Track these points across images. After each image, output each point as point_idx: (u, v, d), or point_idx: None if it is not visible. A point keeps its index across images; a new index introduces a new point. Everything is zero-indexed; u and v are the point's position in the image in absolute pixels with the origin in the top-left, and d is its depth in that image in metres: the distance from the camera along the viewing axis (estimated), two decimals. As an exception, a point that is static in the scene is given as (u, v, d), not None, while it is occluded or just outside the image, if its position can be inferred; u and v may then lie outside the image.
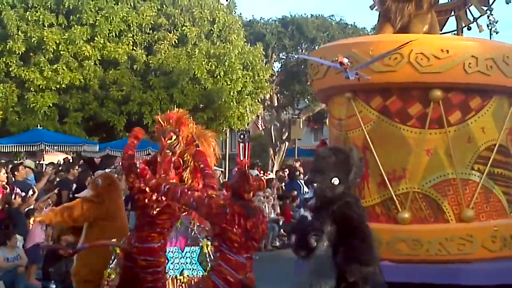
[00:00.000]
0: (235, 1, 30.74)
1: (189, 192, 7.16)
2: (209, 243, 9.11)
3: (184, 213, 8.84)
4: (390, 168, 11.40)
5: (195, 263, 9.10)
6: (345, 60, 10.31)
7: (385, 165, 11.39)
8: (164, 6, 28.42)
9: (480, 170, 11.43)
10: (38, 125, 25.83)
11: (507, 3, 12.69)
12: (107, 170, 27.49)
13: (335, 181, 7.51)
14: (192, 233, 9.28)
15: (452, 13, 13.12)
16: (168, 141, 8.25)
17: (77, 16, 27.11)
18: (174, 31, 28.12)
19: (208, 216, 6.98)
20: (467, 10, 13.03)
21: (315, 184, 7.66)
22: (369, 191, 11.52)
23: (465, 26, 13.03)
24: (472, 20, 13.03)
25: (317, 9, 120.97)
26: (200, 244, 9.15)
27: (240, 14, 33.56)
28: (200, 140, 8.29)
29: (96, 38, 26.99)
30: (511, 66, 11.40)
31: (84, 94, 27.15)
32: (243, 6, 69.76)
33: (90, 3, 27.04)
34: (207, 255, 9.12)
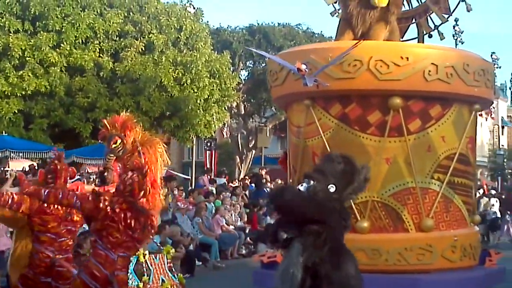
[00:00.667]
0: (202, 9, 30.38)
1: (71, 192, 6.83)
2: (146, 252, 8.77)
3: None
4: (349, 177, 11.06)
5: (131, 272, 8.68)
6: (303, 67, 9.98)
7: (345, 173, 11.05)
8: (131, 13, 27.97)
9: (440, 179, 11.10)
10: (3, 132, 25.28)
11: (468, 11, 12.39)
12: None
13: (331, 188, 7.23)
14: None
15: (413, 20, 12.79)
16: (113, 145, 7.83)
17: (43, 22, 26.59)
18: (141, 38, 27.66)
19: (92, 211, 6.62)
20: (428, 17, 12.71)
21: (311, 181, 7.33)
22: (328, 200, 11.16)
23: (426, 34, 12.71)
24: (433, 27, 12.71)
25: (284, 17, 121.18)
26: (137, 254, 8.73)
27: (207, 22, 33.10)
28: (145, 147, 7.84)
29: (62, 45, 26.45)
30: (472, 74, 11.09)
31: (49, 101, 26.58)
32: (210, 14, 69.33)
33: (56, 10, 26.54)
34: (143, 265, 8.75)
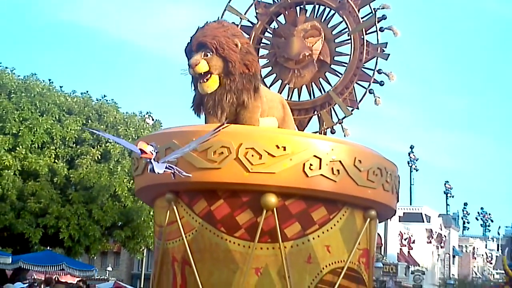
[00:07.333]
0: (161, 121, 28.19)
1: None
2: None
3: None
4: (211, 289, 8.21)
5: None
6: (149, 148, 7.30)
7: (206, 284, 8.24)
8: (89, 121, 25.72)
9: (321, 298, 8.23)
10: None
11: (377, 105, 9.82)
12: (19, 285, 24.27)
13: None
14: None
15: (314, 112, 10.15)
16: None
17: (1, 125, 24.29)
18: (98, 146, 25.32)
19: None
20: (332, 109, 10.09)
21: None
22: (185, 316, 8.28)
23: (327, 128, 10.01)
24: (336, 121, 10.06)
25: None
26: None
27: (165, 134, 30.77)
28: None
29: (18, 148, 24.08)
30: (365, 173, 8.38)
31: (0, 204, 23.99)
32: (169, 126, 67.48)
33: (15, 113, 24.28)
34: None
